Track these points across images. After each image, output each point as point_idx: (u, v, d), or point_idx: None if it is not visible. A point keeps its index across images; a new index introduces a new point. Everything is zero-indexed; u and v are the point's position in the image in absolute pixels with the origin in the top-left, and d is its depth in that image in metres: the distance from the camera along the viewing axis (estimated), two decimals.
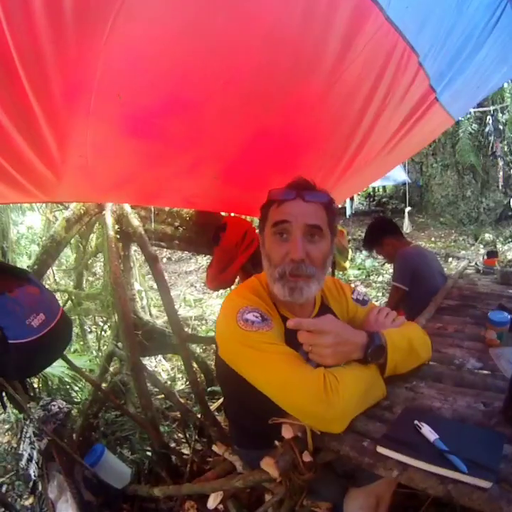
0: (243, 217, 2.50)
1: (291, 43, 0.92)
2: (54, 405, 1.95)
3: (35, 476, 1.86)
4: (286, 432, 0.92)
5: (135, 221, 2.65)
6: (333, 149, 1.51)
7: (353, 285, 6.50)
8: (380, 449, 0.83)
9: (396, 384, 1.10)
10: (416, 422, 0.87)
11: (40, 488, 1.90)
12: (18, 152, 1.01)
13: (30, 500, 2.51)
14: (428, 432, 0.85)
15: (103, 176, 1.35)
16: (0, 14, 0.65)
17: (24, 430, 1.89)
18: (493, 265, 2.62)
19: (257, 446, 1.20)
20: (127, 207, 2.69)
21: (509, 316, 1.32)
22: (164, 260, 8.74)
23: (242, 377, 1.00)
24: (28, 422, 1.88)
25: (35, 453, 1.84)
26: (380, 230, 2.82)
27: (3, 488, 2.73)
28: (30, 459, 1.86)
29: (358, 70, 1.06)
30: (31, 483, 1.92)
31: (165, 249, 9.20)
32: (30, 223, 6.08)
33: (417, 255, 2.63)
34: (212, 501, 1.26)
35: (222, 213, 2.44)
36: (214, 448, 1.55)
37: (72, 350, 4.03)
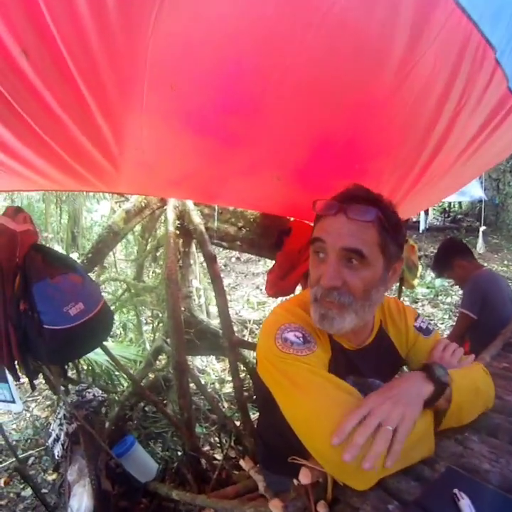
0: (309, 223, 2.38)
1: (351, 27, 0.81)
2: (89, 392, 1.99)
3: (58, 456, 1.90)
4: (304, 477, 0.79)
5: (197, 218, 2.63)
6: (405, 156, 1.36)
7: (420, 304, 6.04)
8: None
9: (445, 434, 0.92)
10: (456, 490, 0.71)
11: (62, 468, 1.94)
12: (76, 143, 1.01)
13: (54, 477, 2.64)
14: (466, 507, 0.68)
15: (160, 170, 1.33)
16: (43, 7, 0.64)
17: (57, 411, 1.95)
18: None
19: (281, 471, 1.10)
20: (190, 203, 2.68)
21: None
22: (233, 260, 8.77)
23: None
24: (61, 404, 1.92)
25: (62, 434, 1.87)
26: (452, 252, 2.66)
27: (30, 460, 2.86)
28: (57, 440, 1.90)
29: (430, 63, 0.92)
30: (55, 462, 1.97)
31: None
32: (104, 211, 6.24)
33: (489, 281, 2.45)
34: None
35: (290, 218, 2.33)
36: (241, 462, 1.47)
37: (127, 339, 4.13)
